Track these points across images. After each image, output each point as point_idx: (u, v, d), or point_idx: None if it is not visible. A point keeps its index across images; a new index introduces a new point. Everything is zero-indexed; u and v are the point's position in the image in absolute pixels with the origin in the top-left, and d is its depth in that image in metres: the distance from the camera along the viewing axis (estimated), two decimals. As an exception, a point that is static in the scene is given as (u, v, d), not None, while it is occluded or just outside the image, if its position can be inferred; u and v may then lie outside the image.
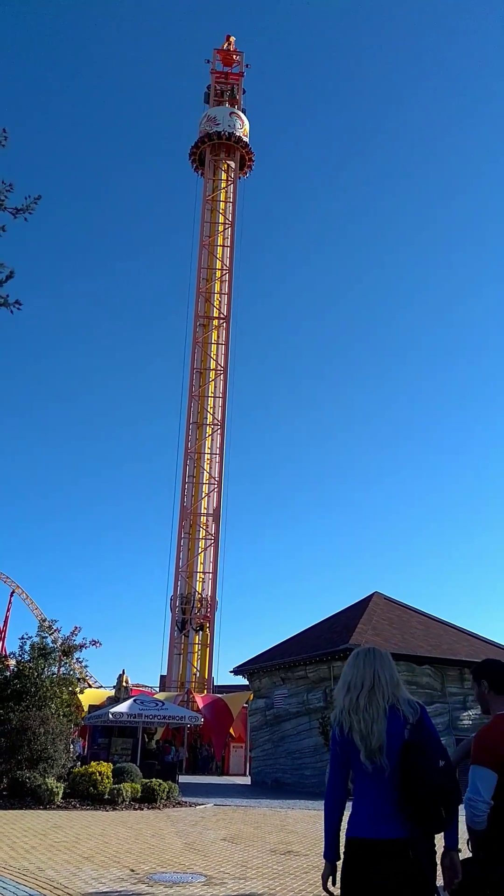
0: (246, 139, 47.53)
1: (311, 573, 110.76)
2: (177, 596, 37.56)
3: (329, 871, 2.98)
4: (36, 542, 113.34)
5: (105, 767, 15.92)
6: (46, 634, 18.73)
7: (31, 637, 18.46)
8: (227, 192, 47.11)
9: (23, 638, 18.51)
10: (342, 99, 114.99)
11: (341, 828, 3.01)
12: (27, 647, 18.16)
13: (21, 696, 16.86)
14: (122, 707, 19.73)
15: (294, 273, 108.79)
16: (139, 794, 15.67)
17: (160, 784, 16.08)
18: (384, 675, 2.97)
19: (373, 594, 27.99)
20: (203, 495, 40.27)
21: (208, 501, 40.39)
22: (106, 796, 15.14)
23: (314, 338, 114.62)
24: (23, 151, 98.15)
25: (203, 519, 39.82)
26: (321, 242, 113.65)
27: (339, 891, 2.92)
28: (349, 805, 3.01)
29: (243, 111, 49.86)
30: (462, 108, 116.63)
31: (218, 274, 45.03)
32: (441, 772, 2.78)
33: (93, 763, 16.47)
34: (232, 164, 47.08)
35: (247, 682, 30.23)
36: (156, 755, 23.11)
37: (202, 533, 39.31)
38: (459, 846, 3.01)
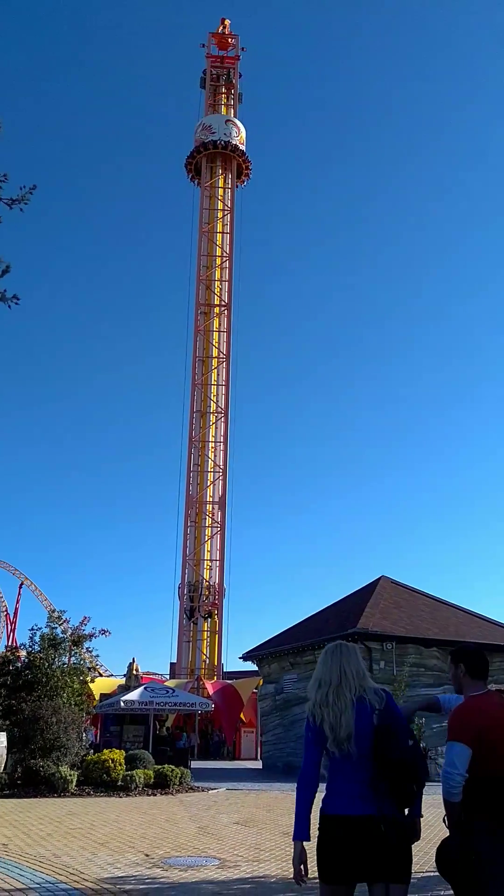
0: (242, 147, 46.40)
1: (319, 558, 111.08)
2: (185, 584, 37.75)
3: (300, 855, 3.16)
4: (43, 534, 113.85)
5: (118, 755, 16.09)
6: (56, 625, 18.87)
7: (40, 628, 18.63)
8: (224, 178, 46.80)
9: (33, 629, 18.68)
10: (341, 80, 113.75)
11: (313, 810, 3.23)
12: (37, 638, 18.32)
13: (33, 687, 17.03)
14: (133, 695, 19.90)
15: (296, 258, 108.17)
16: (152, 780, 15.85)
17: (172, 770, 16.25)
18: (350, 669, 3.28)
19: (380, 578, 28.06)
20: (208, 483, 40.34)
21: (214, 489, 40.46)
22: (119, 783, 15.32)
23: (318, 323, 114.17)
24: (13, 140, 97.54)
25: (209, 507, 39.91)
26: (323, 228, 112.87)
27: (311, 874, 3.17)
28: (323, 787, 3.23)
29: (240, 95, 49.35)
30: (466, 93, 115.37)
31: (218, 261, 44.82)
32: (410, 750, 3.10)
33: (105, 751, 16.64)
34: (229, 174, 46.16)
35: (256, 668, 30.43)
36: (167, 741, 23.34)
37: (208, 521, 39.43)
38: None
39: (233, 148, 45.47)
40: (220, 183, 46.26)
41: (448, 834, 3.54)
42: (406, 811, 3.17)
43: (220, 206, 45.98)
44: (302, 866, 3.15)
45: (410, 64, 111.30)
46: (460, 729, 3.41)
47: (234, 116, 48.70)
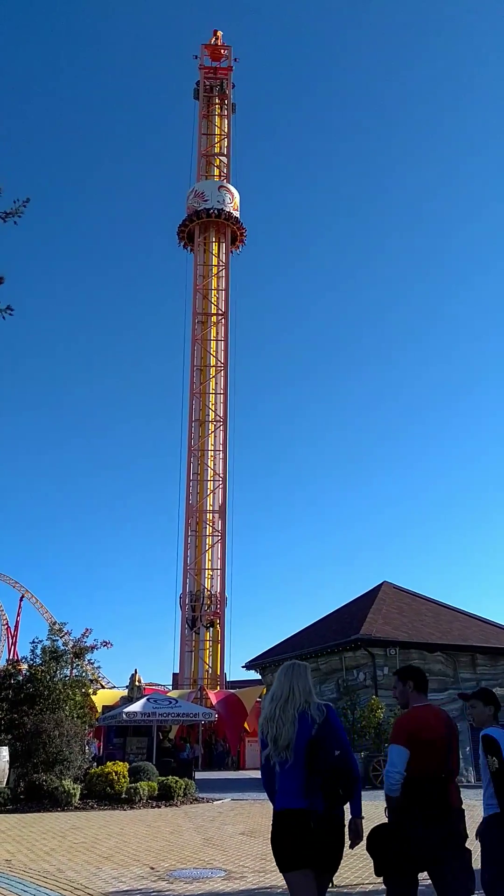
0: (237, 214, 44.89)
1: (320, 566, 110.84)
2: (186, 593, 37.60)
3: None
4: (43, 546, 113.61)
5: (121, 767, 15.96)
6: (57, 637, 18.77)
7: (42, 641, 18.52)
8: (219, 254, 46.95)
9: (34, 642, 18.58)
10: (334, 88, 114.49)
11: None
12: (38, 651, 18.22)
13: (35, 700, 16.91)
14: (136, 706, 19.77)
15: (292, 266, 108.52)
16: (156, 792, 15.72)
17: (177, 781, 16.12)
18: (298, 687, 3.80)
19: (381, 584, 27.98)
20: (208, 492, 40.25)
21: (213, 498, 40.39)
22: (123, 795, 15.18)
23: (314, 330, 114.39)
24: (8, 151, 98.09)
25: (209, 516, 39.83)
26: (319, 233, 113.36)
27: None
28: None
29: (233, 106, 49.54)
30: (462, 99, 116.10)
31: (214, 270, 44.95)
32: (338, 758, 3.66)
33: (108, 763, 16.50)
34: (223, 242, 44.72)
35: (259, 677, 30.29)
36: (171, 753, 23.17)
37: (209, 530, 39.33)
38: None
39: (226, 216, 43.90)
40: (215, 251, 44.56)
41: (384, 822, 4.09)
42: (343, 809, 3.73)
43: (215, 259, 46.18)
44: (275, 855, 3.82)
45: (404, 68, 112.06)
46: (396, 733, 4.05)
47: (228, 126, 48.96)
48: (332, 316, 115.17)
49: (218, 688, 35.59)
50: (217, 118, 49.64)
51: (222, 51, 50.99)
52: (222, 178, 47.40)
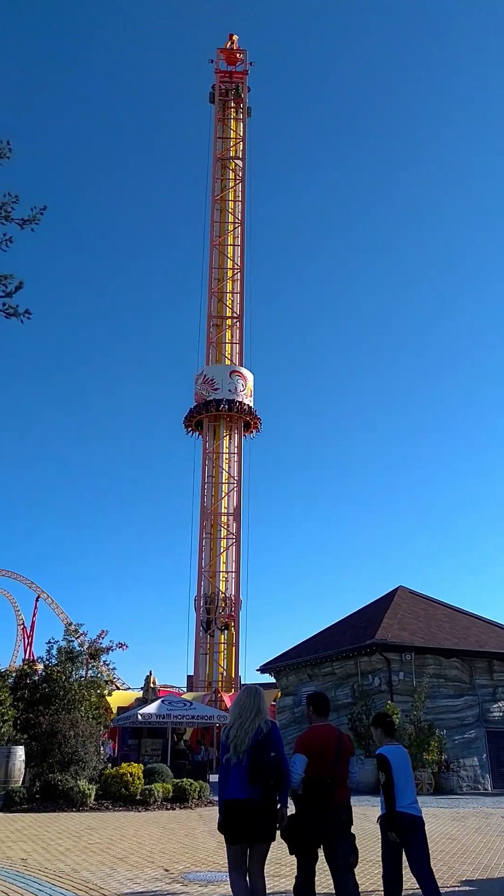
0: (250, 402, 40.02)
1: (335, 570, 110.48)
2: (200, 596, 37.61)
3: (221, 822, 5.11)
4: (59, 548, 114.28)
5: (136, 768, 15.98)
6: (73, 638, 18.87)
7: (57, 641, 18.63)
8: (235, 191, 47.04)
9: (50, 642, 18.68)
10: (348, 89, 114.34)
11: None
12: (54, 652, 18.31)
13: (50, 700, 16.99)
14: (151, 708, 19.79)
15: (305, 266, 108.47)
16: (171, 794, 15.72)
17: (191, 783, 16.11)
18: (255, 706, 5.16)
19: (397, 588, 27.81)
20: (223, 495, 40.25)
21: (228, 501, 40.37)
22: (138, 797, 15.20)
23: (330, 332, 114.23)
24: (25, 153, 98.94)
25: (224, 518, 39.80)
26: (330, 234, 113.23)
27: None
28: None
29: (248, 109, 49.61)
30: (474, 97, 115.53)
31: (230, 273, 45.03)
32: (272, 759, 4.95)
33: (123, 764, 16.53)
34: (235, 433, 40.34)
35: (274, 680, 30.20)
36: (186, 755, 23.16)
37: (223, 532, 39.30)
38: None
39: (238, 406, 39.45)
40: (226, 446, 40.13)
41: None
42: (275, 797, 4.98)
43: (230, 218, 46.21)
44: (221, 828, 5.09)
45: (415, 68, 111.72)
46: (297, 746, 5.35)
47: (243, 129, 49.07)
48: (347, 318, 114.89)
49: (232, 690, 35.56)
50: (232, 122, 49.78)
51: (238, 54, 51.13)
52: (237, 204, 46.41)
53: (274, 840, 5.02)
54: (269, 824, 4.93)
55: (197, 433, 40.97)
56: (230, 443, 40.61)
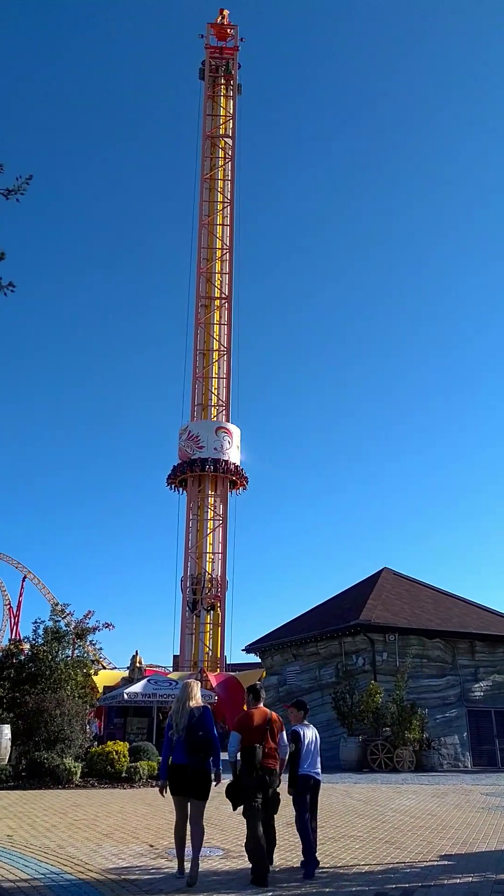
0: (237, 459, 38.52)
1: (321, 551, 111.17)
2: (187, 577, 37.70)
3: (163, 784, 6.95)
4: (46, 528, 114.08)
5: (122, 746, 16.13)
6: (59, 618, 18.88)
7: (44, 621, 18.63)
8: (224, 169, 46.47)
9: (36, 622, 18.68)
10: (340, 68, 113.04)
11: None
12: (41, 631, 18.32)
13: (36, 680, 17.05)
14: (137, 687, 19.94)
15: (295, 250, 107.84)
16: (156, 771, 15.89)
17: (176, 761, 16.26)
18: (192, 695, 6.94)
19: (382, 570, 28.08)
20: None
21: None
22: (123, 774, 15.37)
23: (317, 316, 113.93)
24: (13, 130, 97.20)
25: (210, 500, 39.85)
26: (321, 218, 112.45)
27: (168, 793, 6.86)
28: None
29: (239, 86, 48.87)
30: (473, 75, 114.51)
31: (219, 253, 44.56)
32: (200, 738, 6.62)
33: (109, 742, 16.68)
34: (220, 490, 38.86)
35: (259, 660, 30.51)
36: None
37: (210, 514, 39.35)
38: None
39: (224, 466, 37.91)
40: (210, 503, 38.67)
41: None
42: (209, 763, 6.69)
43: (219, 197, 45.77)
44: (162, 790, 6.99)
45: (410, 43, 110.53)
46: (234, 725, 7.13)
47: (234, 107, 48.35)
48: (334, 302, 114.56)
49: (218, 670, 35.82)
50: (222, 99, 49.01)
51: (228, 30, 50.18)
52: (225, 205, 46.08)
53: (207, 799, 6.68)
54: (202, 786, 6.59)
55: (181, 490, 39.71)
56: (216, 503, 39.13)
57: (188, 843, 6.72)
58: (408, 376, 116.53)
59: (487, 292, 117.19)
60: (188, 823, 6.71)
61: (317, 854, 7.12)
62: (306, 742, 7.40)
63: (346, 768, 20.51)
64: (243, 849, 7.09)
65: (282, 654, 27.82)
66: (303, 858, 7.03)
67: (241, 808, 6.89)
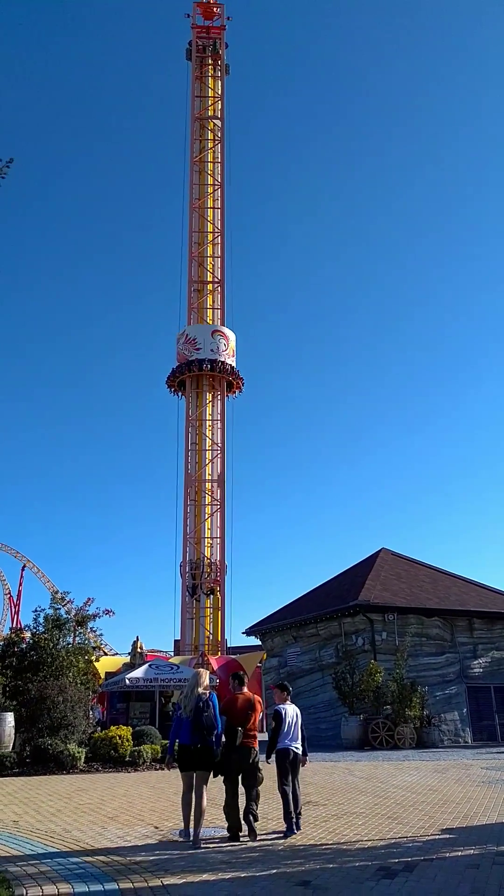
0: (232, 362, 40.24)
1: (319, 532, 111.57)
2: (186, 562, 37.81)
3: (170, 759, 8.54)
4: (45, 517, 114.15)
5: (125, 731, 16.25)
6: (60, 606, 18.92)
7: (44, 609, 18.67)
8: (214, 152, 45.98)
9: (36, 610, 18.72)
10: (329, 46, 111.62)
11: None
12: (41, 620, 18.38)
13: (38, 667, 17.13)
14: (138, 672, 20.03)
15: (289, 231, 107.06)
16: (159, 754, 16.05)
17: (179, 744, 16.40)
18: (199, 683, 7.88)
19: (380, 550, 28.21)
20: (206, 462, 40.21)
21: (212, 468, 40.33)
22: (127, 758, 15.49)
23: (313, 301, 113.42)
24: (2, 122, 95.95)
25: (208, 485, 39.84)
26: (308, 201, 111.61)
27: (175, 766, 8.05)
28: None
29: (227, 67, 48.23)
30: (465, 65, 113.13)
31: (210, 237, 44.26)
32: (205, 719, 7.52)
33: (112, 727, 16.80)
34: (218, 392, 40.03)
35: (259, 643, 30.70)
36: (173, 717, 23.51)
37: (207, 499, 39.33)
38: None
39: (220, 366, 39.25)
40: (209, 408, 40.01)
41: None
42: (212, 741, 7.59)
43: (210, 180, 45.34)
44: (168, 765, 9.05)
45: (401, 21, 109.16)
46: (221, 708, 7.91)
47: (222, 87, 47.77)
48: (331, 286, 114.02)
49: (219, 653, 36.06)
50: (210, 80, 48.36)
51: (215, 9, 49.37)
52: (216, 181, 45.74)
53: (210, 770, 7.64)
54: (206, 759, 7.57)
55: (180, 394, 40.81)
56: (213, 404, 40.42)
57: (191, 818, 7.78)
58: (410, 359, 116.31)
59: (487, 282, 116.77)
60: (193, 792, 7.66)
61: (301, 822, 8.12)
62: (287, 720, 8.24)
63: (348, 747, 20.73)
64: (249, 838, 7.63)
65: (282, 636, 28.00)
66: (284, 823, 7.97)
67: (221, 778, 7.87)
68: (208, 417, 40.17)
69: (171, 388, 40.83)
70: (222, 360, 39.61)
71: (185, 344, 39.88)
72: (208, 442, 40.29)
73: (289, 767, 8.09)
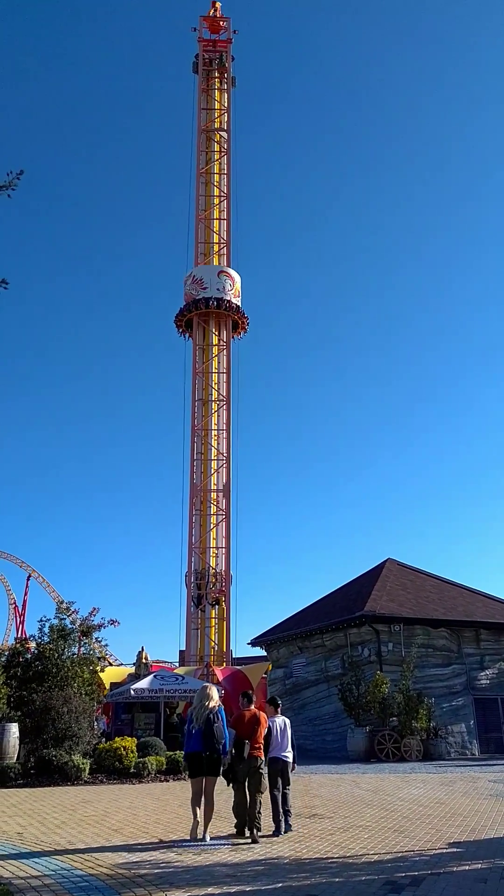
0: (238, 301, 41.35)
1: (324, 544, 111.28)
2: (191, 572, 37.74)
3: (185, 767, 11.11)
4: (50, 527, 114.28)
5: (129, 742, 16.16)
6: (65, 616, 18.89)
7: (49, 619, 18.64)
8: (220, 163, 46.29)
9: (41, 620, 18.69)
10: (334, 57, 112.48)
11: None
12: (46, 630, 18.34)
13: (43, 678, 17.08)
14: (143, 683, 19.96)
15: (298, 236, 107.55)
16: (164, 766, 15.94)
17: (184, 756, 16.30)
18: (210, 696, 8.77)
19: (386, 560, 28.08)
20: (212, 472, 40.22)
21: (217, 477, 40.34)
22: (132, 770, 15.40)
23: (318, 308, 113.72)
24: (4, 130, 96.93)
25: (213, 495, 39.83)
26: (315, 206, 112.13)
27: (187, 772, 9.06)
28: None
29: (233, 79, 48.64)
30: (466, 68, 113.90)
31: (216, 248, 44.47)
32: (215, 729, 8.44)
33: (117, 738, 16.72)
34: (224, 331, 41.38)
35: (265, 653, 30.56)
36: (178, 728, 23.41)
37: (213, 509, 39.31)
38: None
39: (226, 305, 40.51)
40: (215, 341, 41.59)
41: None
42: (220, 749, 8.44)
43: (216, 191, 45.60)
44: (186, 771, 9.98)
45: (405, 32, 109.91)
46: (230, 723, 8.93)
47: (228, 100, 48.15)
48: (335, 292, 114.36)
49: (224, 664, 35.93)
50: (217, 92, 48.74)
51: (221, 22, 49.83)
52: (222, 191, 45.97)
53: (218, 775, 8.51)
54: (214, 766, 8.41)
55: (187, 335, 42.02)
56: (220, 358, 41.60)
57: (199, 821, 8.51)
58: (415, 365, 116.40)
59: (491, 286, 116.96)
60: (202, 796, 8.39)
61: (291, 820, 9.01)
62: (275, 732, 9.30)
63: (354, 759, 20.58)
64: (251, 842, 7.82)
65: (287, 646, 27.88)
66: (273, 825, 8.83)
67: (232, 785, 8.88)
68: (215, 369, 41.03)
69: (179, 327, 42.08)
70: (228, 298, 40.74)
71: (193, 284, 41.07)
72: (214, 452, 40.35)
73: (279, 774, 9.11)
